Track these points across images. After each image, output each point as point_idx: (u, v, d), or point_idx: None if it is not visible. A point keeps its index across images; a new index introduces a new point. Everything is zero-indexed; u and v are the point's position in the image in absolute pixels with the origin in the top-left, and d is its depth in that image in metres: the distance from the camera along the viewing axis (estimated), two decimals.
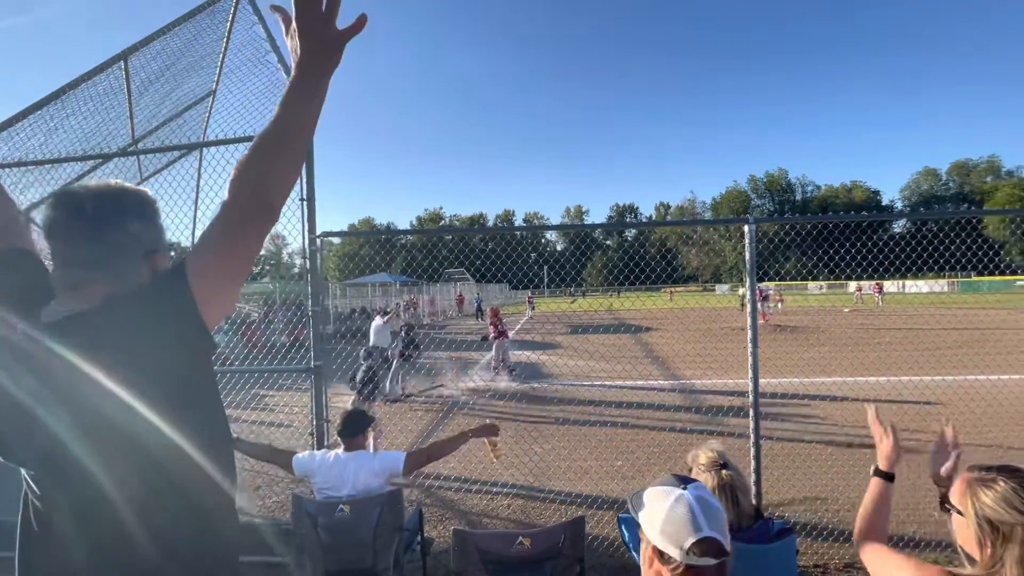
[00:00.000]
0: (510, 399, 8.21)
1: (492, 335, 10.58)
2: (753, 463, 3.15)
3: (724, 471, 1.86)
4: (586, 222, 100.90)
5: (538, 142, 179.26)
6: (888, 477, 1.51)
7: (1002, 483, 1.06)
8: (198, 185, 5.41)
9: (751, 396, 3.10)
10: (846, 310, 25.71)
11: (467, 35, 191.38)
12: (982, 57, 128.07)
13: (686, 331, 17.09)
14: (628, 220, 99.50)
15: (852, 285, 30.73)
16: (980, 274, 42.32)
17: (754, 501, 3.18)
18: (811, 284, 49.07)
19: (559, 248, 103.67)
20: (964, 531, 1.13)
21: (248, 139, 3.40)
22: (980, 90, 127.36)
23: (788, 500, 4.20)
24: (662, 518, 1.06)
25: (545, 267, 53.22)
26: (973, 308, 23.29)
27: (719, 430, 5.96)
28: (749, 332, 3.05)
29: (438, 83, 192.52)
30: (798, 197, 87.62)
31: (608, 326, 20.78)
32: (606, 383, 9.05)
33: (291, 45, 0.89)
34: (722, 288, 55.85)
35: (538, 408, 7.58)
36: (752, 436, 3.13)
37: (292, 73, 0.89)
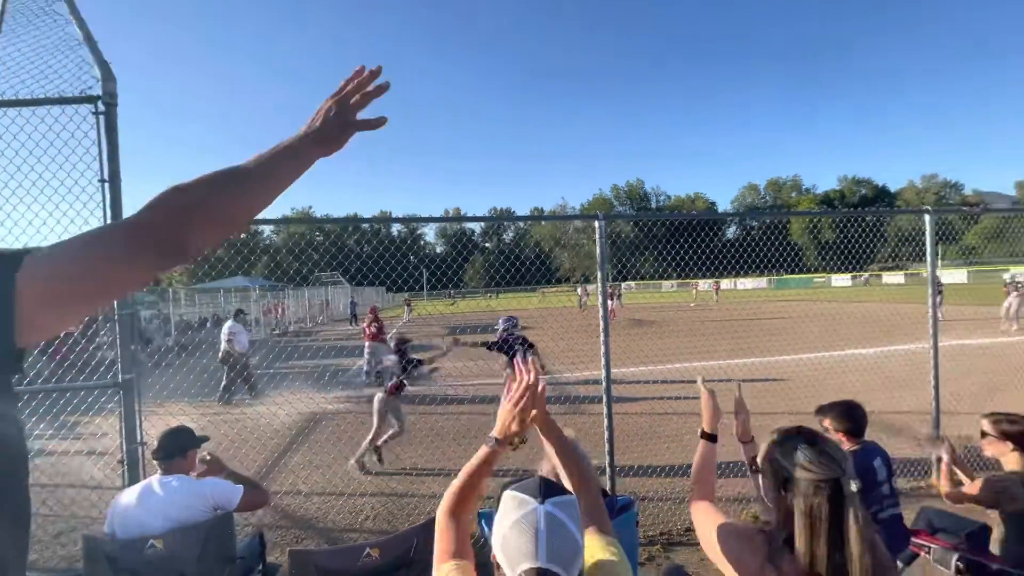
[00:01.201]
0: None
1: (367, 337, 10.05)
2: (607, 446, 3.35)
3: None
4: (464, 224, 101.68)
5: (411, 144, 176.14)
6: (711, 438, 1.64)
7: (791, 443, 1.20)
8: None
9: (604, 383, 3.30)
10: (691, 305, 29.26)
11: (330, 22, 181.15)
12: (784, 93, 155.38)
13: (557, 328, 17.99)
14: (504, 222, 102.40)
15: (697, 283, 35.08)
16: (789, 273, 51.29)
17: (607, 481, 3.39)
18: (664, 283, 54.96)
19: (439, 250, 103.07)
20: (766, 487, 1.26)
21: (22, 103, 2.73)
22: (787, 120, 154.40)
23: (639, 475, 4.57)
24: (503, 533, 0.98)
25: (424, 269, 52.56)
26: (784, 301, 28.07)
27: (581, 416, 6.36)
28: (601, 323, 3.24)
29: (306, 75, 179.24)
30: (653, 205, 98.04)
31: (486, 326, 21.07)
32: (481, 381, 9.12)
33: (313, 120, 0.87)
34: (591, 288, 59.95)
35: (411, 411, 7.35)
36: (606, 420, 3.32)
37: (295, 139, 0.84)
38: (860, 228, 6.50)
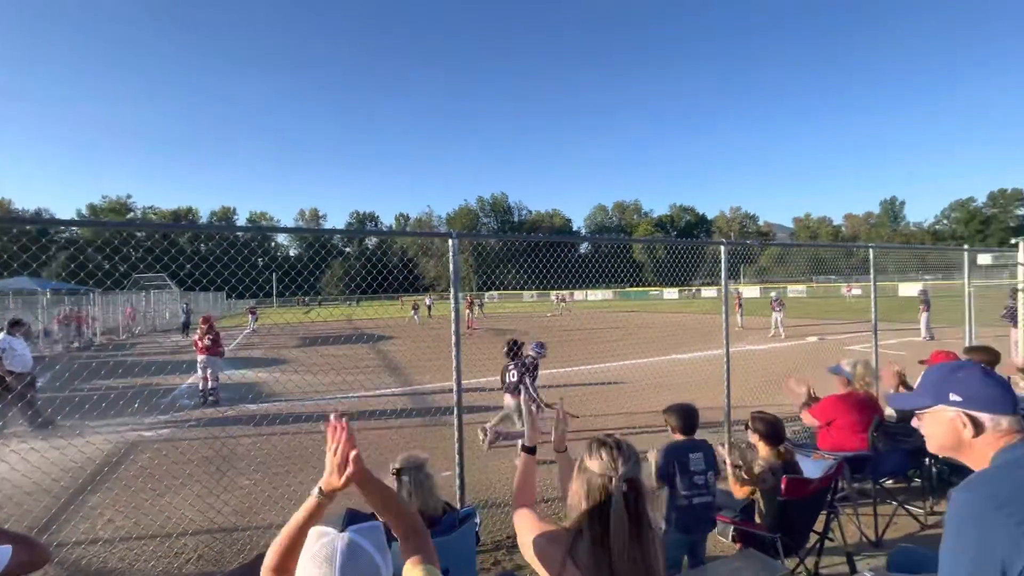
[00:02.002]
0: (217, 425, 7.01)
1: (200, 351, 8.83)
2: (457, 457, 3.43)
3: (395, 478, 1.98)
4: (324, 227, 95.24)
5: (257, 136, 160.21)
6: (531, 451, 1.80)
7: (593, 447, 1.37)
8: None
9: (455, 394, 3.38)
10: (549, 315, 31.20)
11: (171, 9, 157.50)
12: (625, 125, 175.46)
13: (420, 339, 17.79)
14: (368, 227, 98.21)
15: (553, 294, 37.46)
16: (631, 286, 57.68)
17: (457, 490, 3.47)
18: (525, 293, 57.74)
19: (292, 253, 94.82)
20: (574, 488, 1.41)
21: None
22: (629, 148, 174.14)
23: (491, 482, 4.74)
24: (302, 566, 1.00)
25: (274, 273, 47.84)
26: (626, 312, 31.45)
27: (438, 428, 6.38)
28: (453, 336, 3.32)
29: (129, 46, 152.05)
30: (516, 219, 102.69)
31: (345, 336, 19.99)
32: (336, 396, 8.62)
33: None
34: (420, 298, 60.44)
35: (248, 433, 6.65)
36: (456, 432, 3.40)
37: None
38: (685, 250, 7.60)
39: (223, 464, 5.13)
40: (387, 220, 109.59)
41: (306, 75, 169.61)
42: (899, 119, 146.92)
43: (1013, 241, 7.80)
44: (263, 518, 4.17)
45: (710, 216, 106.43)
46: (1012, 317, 7.88)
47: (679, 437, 2.89)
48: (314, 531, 1.07)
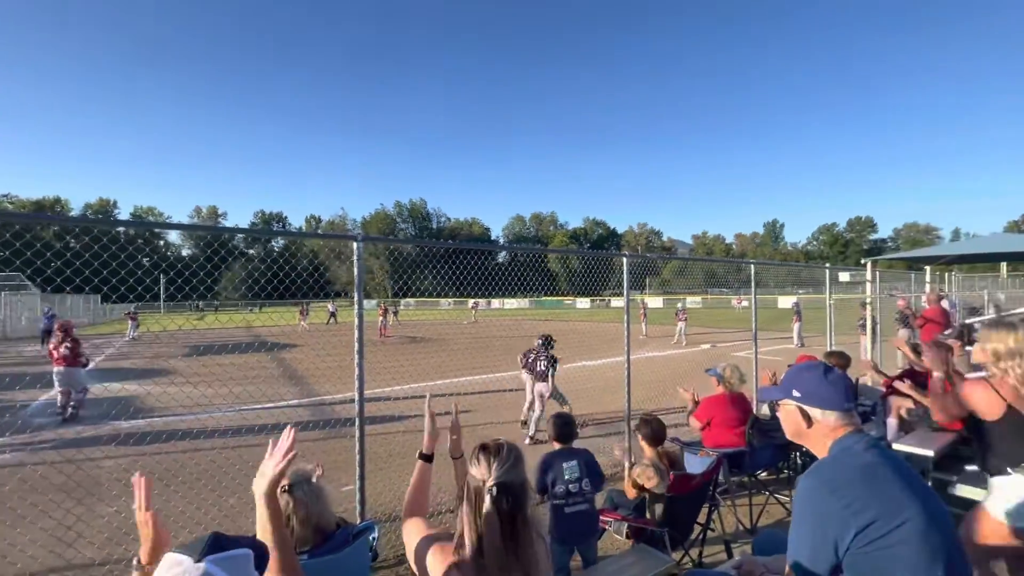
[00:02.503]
0: (83, 445, 6.12)
1: (56, 361, 7.66)
2: (359, 469, 3.28)
3: (284, 495, 1.84)
4: (223, 225, 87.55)
5: (151, 126, 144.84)
6: (427, 459, 1.76)
7: (474, 455, 1.36)
8: None
9: (357, 404, 3.23)
10: (466, 322, 31.11)
11: None
12: (547, 138, 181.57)
13: (327, 346, 16.91)
14: (276, 228, 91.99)
15: (470, 302, 37.44)
16: (546, 295, 59.37)
17: (357, 504, 3.32)
18: (443, 300, 57.17)
19: (185, 253, 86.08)
20: (459, 495, 1.40)
21: None
22: (549, 163, 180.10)
23: (394, 496, 4.58)
24: None
25: (162, 275, 43.17)
26: (541, 320, 32.26)
27: (339, 440, 6.07)
28: (356, 345, 3.18)
29: None
30: (434, 226, 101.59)
31: (242, 344, 18.44)
32: (224, 410, 7.91)
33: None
34: (370, 303, 58.42)
35: (124, 453, 5.88)
36: (357, 444, 3.25)
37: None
38: (597, 261, 7.94)
39: (80, 491, 4.47)
40: (297, 222, 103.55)
41: (219, 67, 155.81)
42: (783, 150, 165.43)
43: (863, 261, 9.11)
44: (128, 549, 3.68)
45: (620, 230, 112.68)
46: (864, 326, 9.14)
47: (557, 446, 2.97)
48: (167, 558, 0.94)
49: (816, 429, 1.46)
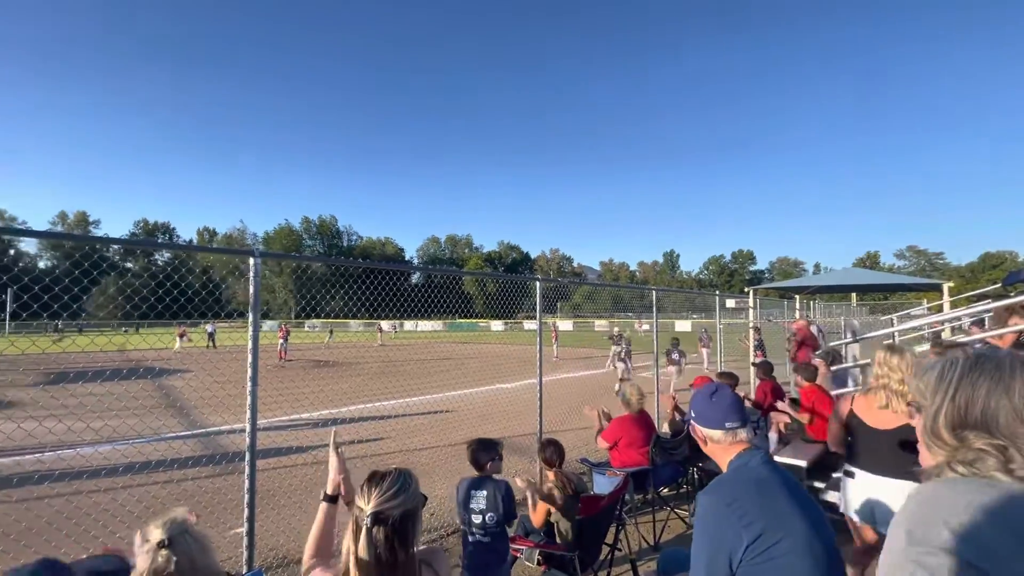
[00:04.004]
0: None
1: None
2: (247, 511, 2.95)
3: (163, 551, 1.57)
4: (94, 234, 77.11)
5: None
6: (332, 500, 1.63)
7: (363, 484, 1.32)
8: None
9: (248, 437, 2.93)
10: (377, 344, 29.95)
11: None
12: (465, 158, 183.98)
13: (223, 371, 15.35)
14: (160, 240, 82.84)
15: (384, 324, 36.16)
16: (461, 317, 59.06)
17: (244, 549, 2.97)
18: (353, 322, 54.62)
19: (43, 265, 74.39)
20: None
21: None
22: (467, 186, 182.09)
23: (289, 538, 4.19)
24: None
25: (9, 290, 36.90)
26: (455, 342, 31.98)
27: (234, 476, 5.48)
28: (249, 371, 2.90)
29: None
30: (345, 243, 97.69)
31: (114, 371, 16.08)
32: (82, 448, 6.82)
33: None
34: (270, 324, 54.26)
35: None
36: (247, 482, 2.93)
37: None
38: (512, 284, 8.05)
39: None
40: (186, 234, 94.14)
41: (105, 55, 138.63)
42: (680, 183, 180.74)
43: (746, 290, 10.16)
44: None
45: (533, 255, 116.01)
46: (760, 347, 10.08)
47: (474, 473, 2.89)
48: None
49: (712, 447, 1.57)
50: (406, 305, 7.77)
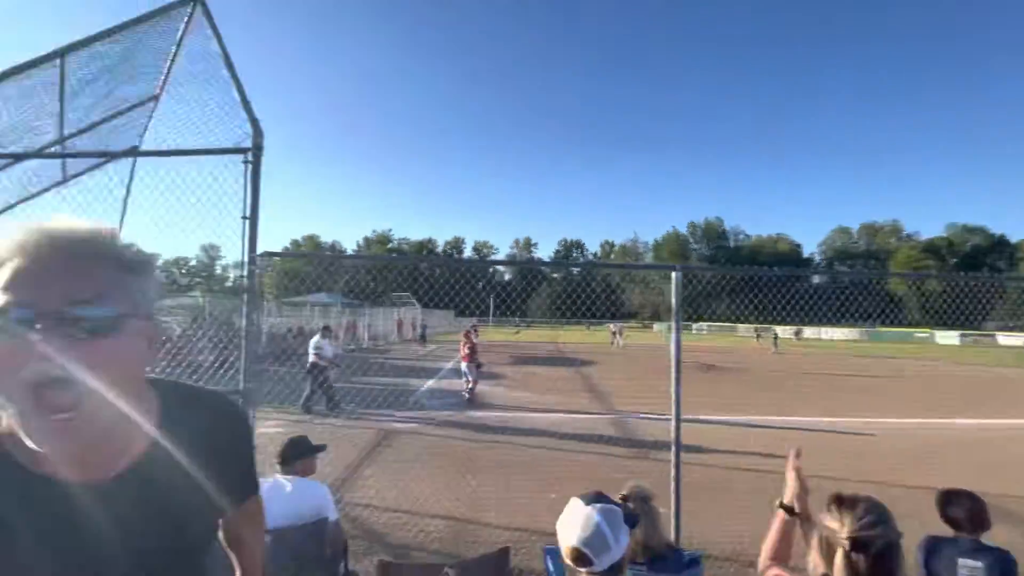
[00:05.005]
0: (448, 426, 8.14)
1: (464, 358, 10.72)
2: (673, 497, 3.32)
3: (632, 504, 2.00)
4: (534, 255, 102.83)
5: (488, 169, 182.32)
6: (790, 511, 1.65)
7: (833, 506, 1.26)
8: (127, 195, 5.14)
9: (673, 432, 3.30)
10: (771, 351, 27.47)
11: (413, 52, 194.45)
12: (883, 133, 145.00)
13: (624, 366, 17.64)
14: (575, 255, 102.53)
15: (778, 329, 32.90)
16: (885, 325, 46.81)
17: (672, 531, 3.35)
18: (741, 327, 52.08)
19: (507, 278, 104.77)
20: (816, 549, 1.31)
21: (185, 152, 3.33)
22: (886, 159, 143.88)
23: (706, 530, 4.40)
24: (566, 519, 1.30)
25: (492, 296, 53.47)
26: (879, 356, 25.65)
27: (647, 462, 6.22)
28: (672, 371, 3.27)
29: (388, 102, 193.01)
30: (731, 244, 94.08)
31: (550, 359, 21.09)
32: (544, 414, 9.17)
33: None
34: (659, 326, 58.14)
35: (475, 437, 7.55)
36: (673, 471, 3.31)
37: None
38: (972, 281, 5.95)
39: (455, 458, 5.97)
40: (592, 246, 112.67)
41: (528, 108, 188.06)
42: None
43: None
44: (488, 517, 4.68)
45: (1015, 238, 79.87)
46: None
47: (953, 533, 2.22)
48: (571, 501, 1.38)
49: None
50: (805, 308, 6.88)
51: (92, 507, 0.69)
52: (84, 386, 0.62)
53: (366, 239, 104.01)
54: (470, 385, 10.73)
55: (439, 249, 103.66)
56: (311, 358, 9.23)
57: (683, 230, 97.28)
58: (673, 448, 3.31)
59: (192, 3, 4.26)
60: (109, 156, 5.03)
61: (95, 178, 5.14)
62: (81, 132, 4.93)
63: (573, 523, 1.26)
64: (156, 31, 4.48)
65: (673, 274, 3.29)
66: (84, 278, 0.65)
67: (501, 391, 11.48)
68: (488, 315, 54.56)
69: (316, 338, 9.43)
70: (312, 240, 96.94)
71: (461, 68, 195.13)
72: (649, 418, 8.63)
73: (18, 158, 4.47)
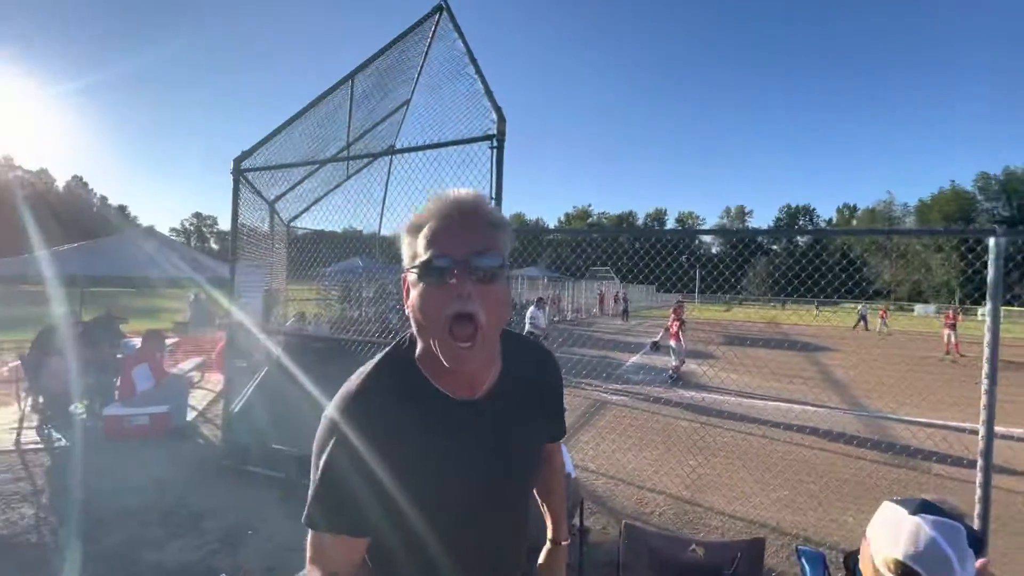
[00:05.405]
0: (659, 403, 7.96)
1: (672, 337, 10.36)
2: (979, 522, 2.62)
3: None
4: (749, 224, 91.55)
5: (692, 139, 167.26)
6: None
7: None
8: (386, 186, 6.23)
9: (981, 443, 2.57)
10: None
11: (615, 30, 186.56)
12: None
13: (876, 355, 14.58)
14: (802, 223, 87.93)
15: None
16: None
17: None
18: None
19: (714, 251, 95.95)
20: None
21: (432, 146, 3.83)
22: None
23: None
24: (885, 525, 1.10)
25: (698, 270, 49.85)
26: None
27: (918, 473, 5.07)
28: (985, 367, 2.53)
29: (586, 82, 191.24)
30: None
31: (771, 340, 18.71)
32: (772, 401, 8.23)
33: None
34: (926, 309, 46.26)
35: (689, 416, 7.22)
36: (980, 491, 2.60)
37: None
38: None
39: (673, 436, 5.81)
40: (825, 212, 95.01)
41: (738, 71, 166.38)
42: None
43: None
44: (709, 500, 4.45)
45: None
46: None
47: None
48: (884, 505, 1.16)
49: None
50: None
51: (471, 417, 0.91)
52: (480, 320, 0.79)
53: (567, 215, 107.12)
54: (678, 363, 10.23)
55: (639, 222, 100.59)
56: (526, 327, 10.03)
57: (966, 185, 74.23)
58: (980, 467, 2.58)
59: (439, 12, 4.88)
60: (373, 156, 6.18)
61: (368, 175, 6.41)
62: (356, 140, 6.14)
63: (896, 534, 1.05)
64: (411, 40, 5.25)
65: (991, 241, 2.49)
66: (480, 234, 0.81)
67: (714, 372, 10.65)
68: (694, 291, 51.20)
69: (532, 309, 10.21)
70: (518, 217, 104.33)
71: (645, 37, 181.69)
72: (918, 423, 7.00)
73: (322, 164, 5.82)
